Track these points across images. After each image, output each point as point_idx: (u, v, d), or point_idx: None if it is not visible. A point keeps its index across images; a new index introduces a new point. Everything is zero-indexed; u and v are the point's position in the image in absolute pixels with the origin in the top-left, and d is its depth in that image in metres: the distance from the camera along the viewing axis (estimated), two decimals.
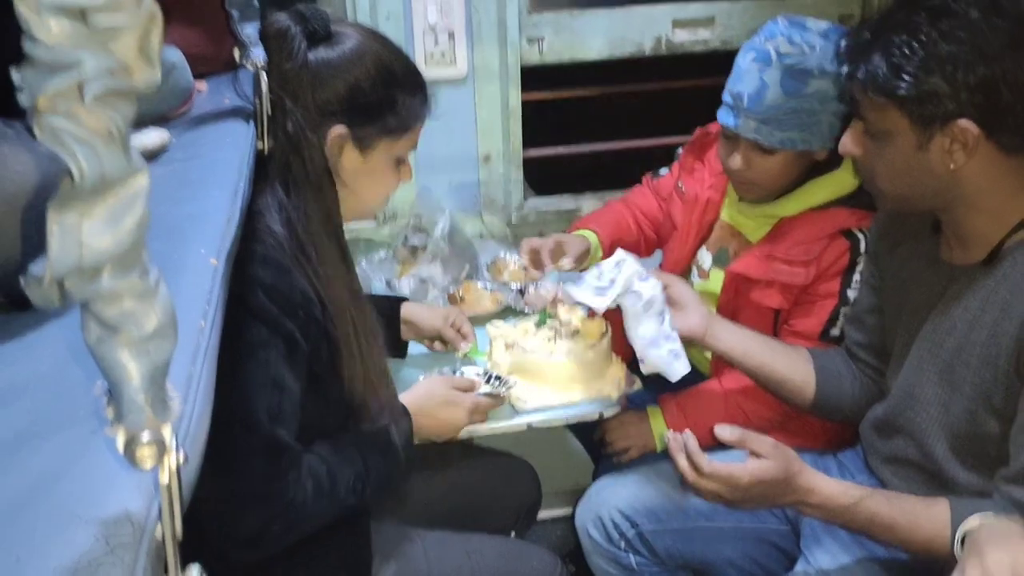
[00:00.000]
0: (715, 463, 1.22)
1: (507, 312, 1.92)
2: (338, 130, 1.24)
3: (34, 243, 0.71)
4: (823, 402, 1.48)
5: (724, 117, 1.59)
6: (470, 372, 1.60)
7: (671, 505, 1.56)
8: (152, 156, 1.10)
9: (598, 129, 2.34)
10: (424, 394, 1.47)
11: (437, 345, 1.74)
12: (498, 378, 1.57)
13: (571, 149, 2.34)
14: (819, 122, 1.52)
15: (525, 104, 2.12)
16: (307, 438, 1.26)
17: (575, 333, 1.67)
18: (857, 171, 1.29)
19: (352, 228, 2.10)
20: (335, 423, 1.32)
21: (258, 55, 1.16)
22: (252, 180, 1.18)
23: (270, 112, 1.20)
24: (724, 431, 1.24)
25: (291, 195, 1.23)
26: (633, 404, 1.67)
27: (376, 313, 1.62)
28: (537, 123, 2.22)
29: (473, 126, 2.11)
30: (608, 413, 1.60)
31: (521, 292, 1.97)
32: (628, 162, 2.22)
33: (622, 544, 1.57)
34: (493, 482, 1.74)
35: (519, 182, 2.18)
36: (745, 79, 1.53)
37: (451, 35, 2.00)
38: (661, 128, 2.26)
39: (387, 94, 1.27)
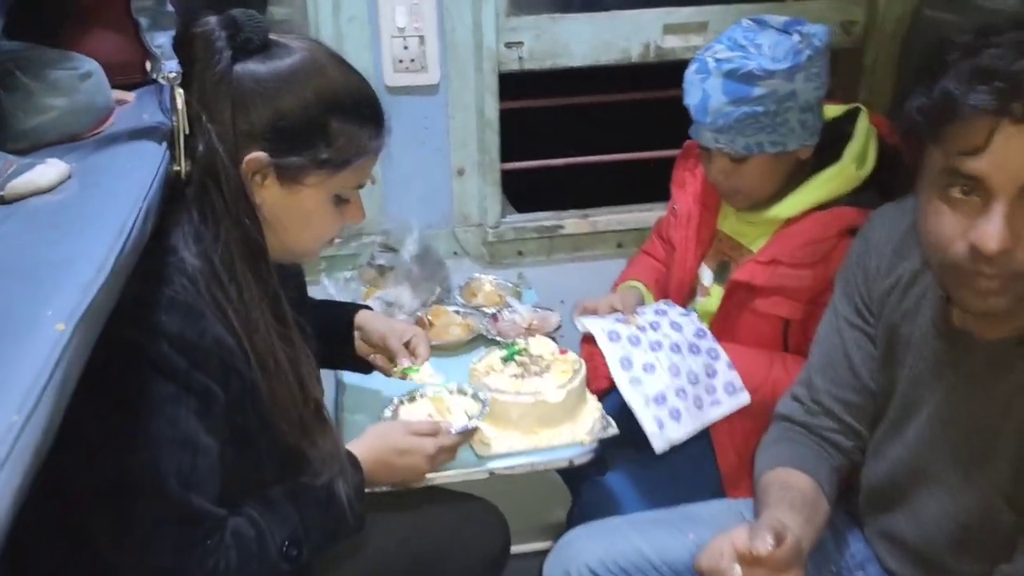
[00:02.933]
0: None
1: (478, 340, 1.78)
2: (256, 156, 1.09)
3: None
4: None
5: (693, 132, 1.54)
6: (442, 405, 1.45)
7: (643, 562, 1.42)
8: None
9: (582, 141, 2.19)
10: (378, 442, 1.32)
11: (378, 359, 1.54)
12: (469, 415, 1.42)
13: (553, 162, 2.19)
14: (785, 121, 1.46)
15: (503, 114, 1.98)
16: (236, 495, 1.14)
17: (546, 369, 1.53)
18: None
19: None
20: (270, 476, 1.19)
21: (171, 68, 1.02)
22: (162, 211, 1.04)
23: (187, 131, 1.06)
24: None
25: (208, 225, 1.08)
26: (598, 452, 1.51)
27: (332, 325, 1.48)
28: (516, 134, 2.07)
29: (446, 137, 1.96)
30: (579, 461, 1.46)
31: (495, 317, 1.83)
32: (614, 177, 2.08)
33: None
34: (455, 528, 1.59)
35: (496, 197, 2.03)
36: (690, 91, 1.49)
37: (422, 39, 1.85)
38: (650, 141, 2.10)
39: (320, 121, 1.11)
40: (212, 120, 1.06)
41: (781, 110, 1.45)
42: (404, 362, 1.49)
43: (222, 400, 1.07)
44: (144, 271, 1.03)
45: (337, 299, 1.92)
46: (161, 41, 1.02)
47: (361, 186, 1.20)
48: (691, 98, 1.49)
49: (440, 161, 1.98)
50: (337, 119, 1.11)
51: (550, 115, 2.22)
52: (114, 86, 1.22)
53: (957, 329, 1.13)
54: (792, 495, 1.22)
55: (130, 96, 1.28)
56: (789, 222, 1.56)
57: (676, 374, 1.46)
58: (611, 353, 1.48)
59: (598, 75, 2.02)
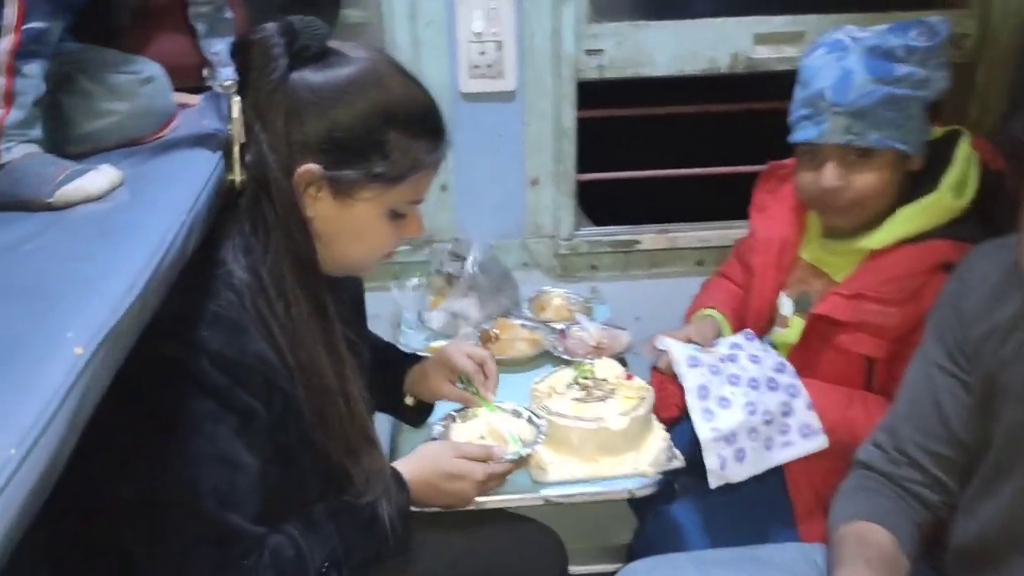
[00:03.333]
0: None
1: (544, 358, 1.72)
2: (309, 168, 1.05)
3: None
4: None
5: (802, 133, 1.42)
6: (495, 428, 1.39)
7: None
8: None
9: (662, 154, 2.10)
10: (427, 463, 1.27)
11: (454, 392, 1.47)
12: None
13: (632, 174, 2.11)
14: (913, 116, 1.38)
15: (581, 123, 1.91)
16: (278, 512, 1.11)
17: (610, 394, 1.46)
18: None
19: None
20: (313, 494, 1.16)
21: (227, 75, 0.99)
22: (214, 221, 1.02)
23: (243, 139, 1.04)
24: None
25: (259, 237, 1.05)
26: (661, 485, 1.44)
27: (380, 371, 1.43)
28: (594, 144, 2.00)
29: (521, 145, 1.91)
30: (640, 493, 1.39)
31: (562, 334, 1.77)
32: (695, 192, 2.00)
33: None
34: (509, 551, 1.53)
35: (570, 209, 1.97)
36: (822, 74, 1.37)
37: (499, 45, 1.81)
38: (734, 155, 2.01)
39: (375, 134, 1.06)
40: (265, 129, 1.03)
41: (914, 100, 1.36)
42: (490, 396, 1.44)
43: (264, 418, 1.04)
44: (190, 284, 1.01)
45: (403, 308, 1.89)
46: (218, 48, 1.00)
47: (418, 201, 1.15)
48: (825, 79, 1.37)
49: (514, 169, 1.93)
50: (393, 132, 1.07)
51: (629, 125, 2.14)
52: (179, 89, 1.21)
53: None
54: (869, 552, 1.12)
55: (195, 100, 1.27)
56: (877, 254, 1.45)
57: (752, 412, 1.37)
58: (690, 380, 1.40)
59: (679, 86, 1.94)
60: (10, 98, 0.89)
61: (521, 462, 1.35)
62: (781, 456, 1.39)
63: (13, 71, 0.87)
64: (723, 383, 1.39)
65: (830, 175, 1.41)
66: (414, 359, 1.51)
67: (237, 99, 1.01)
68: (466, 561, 1.49)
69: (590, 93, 1.94)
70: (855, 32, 1.39)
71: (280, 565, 1.07)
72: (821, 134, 1.39)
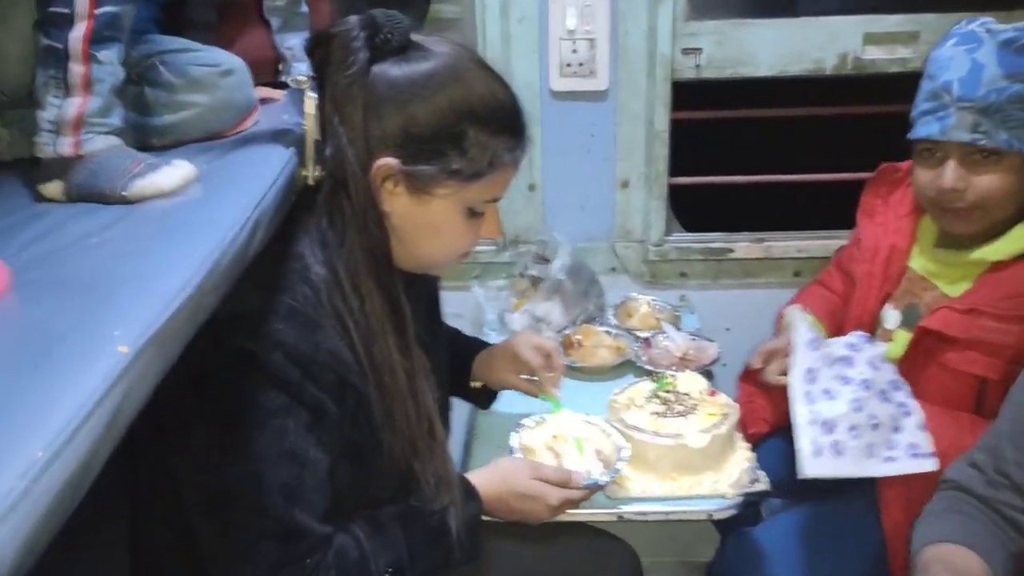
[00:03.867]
0: None
1: (626, 367, 1.67)
2: (386, 163, 1.03)
3: None
4: None
5: (924, 128, 1.34)
6: (570, 458, 1.32)
7: None
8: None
9: (760, 159, 2.01)
10: (502, 479, 1.23)
11: (520, 383, 1.44)
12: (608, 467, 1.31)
13: (728, 180, 2.03)
14: None
15: (675, 124, 1.85)
16: (346, 512, 1.10)
17: (691, 410, 1.40)
18: None
19: None
20: (382, 496, 1.14)
21: (301, 70, 0.98)
22: (293, 216, 1.01)
23: (318, 135, 1.02)
24: None
25: (335, 232, 1.04)
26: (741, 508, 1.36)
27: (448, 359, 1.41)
28: (688, 147, 1.93)
29: (612, 146, 1.86)
30: (719, 516, 1.32)
31: (647, 342, 1.71)
32: (794, 200, 1.90)
33: None
34: (584, 565, 1.49)
35: (661, 213, 1.91)
36: (951, 66, 1.30)
37: (592, 43, 1.76)
38: (837, 162, 1.90)
39: (455, 129, 1.03)
40: (343, 123, 1.01)
41: None
42: (554, 391, 1.41)
43: (335, 414, 1.03)
44: (266, 278, 1.01)
45: (485, 308, 1.87)
46: (292, 43, 0.99)
47: (496, 200, 1.12)
48: (954, 72, 1.30)
49: (604, 171, 1.89)
50: (472, 128, 1.04)
51: (726, 128, 2.06)
52: (262, 84, 1.21)
53: None
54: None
55: (279, 95, 1.27)
56: (997, 267, 1.35)
57: (857, 409, 1.29)
58: (800, 361, 1.33)
59: (780, 88, 1.85)
60: (88, 86, 0.90)
61: (598, 489, 1.29)
62: (882, 469, 1.29)
63: (89, 58, 0.88)
64: (833, 377, 1.32)
65: (951, 175, 1.32)
66: (481, 344, 1.49)
67: (312, 95, 1.00)
68: (539, 572, 1.46)
69: (685, 93, 1.87)
70: (991, 24, 1.30)
71: (343, 567, 1.06)
72: (944, 130, 1.31)
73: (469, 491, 1.19)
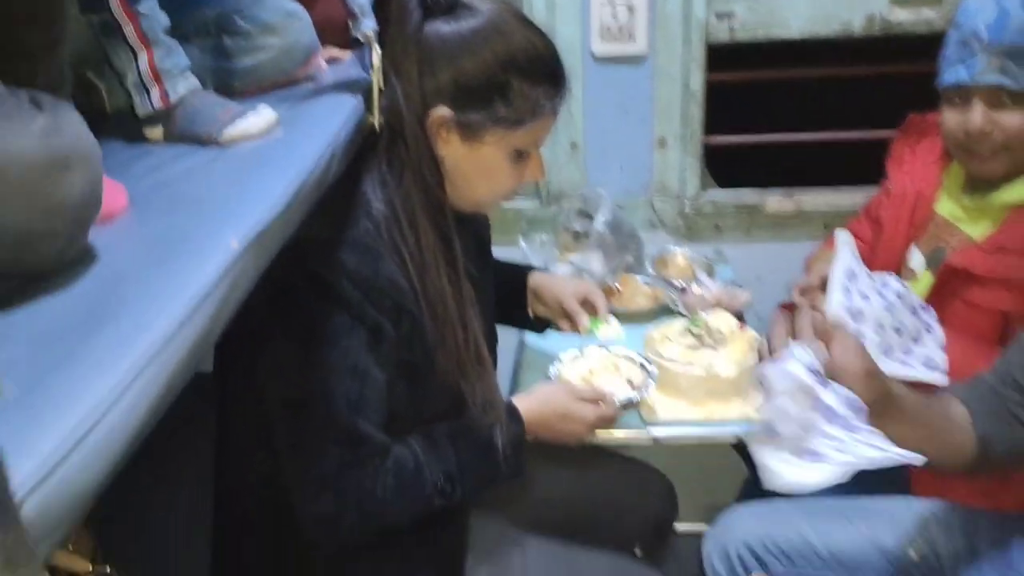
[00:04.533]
0: None
1: (663, 312, 1.78)
2: (440, 112, 1.15)
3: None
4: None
5: (952, 74, 1.41)
6: (604, 378, 1.46)
7: (807, 548, 1.38)
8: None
9: (793, 118, 2.10)
10: (543, 401, 1.35)
11: (564, 324, 1.56)
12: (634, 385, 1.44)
13: (759, 138, 2.13)
14: None
15: (711, 86, 1.95)
16: (403, 428, 1.23)
17: (722, 343, 1.51)
18: None
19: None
20: (434, 414, 1.27)
21: (369, 25, 1.11)
22: (355, 158, 1.14)
23: (382, 86, 1.15)
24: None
25: (394, 174, 1.17)
26: None
27: (506, 285, 1.53)
28: (724, 107, 2.03)
29: (650, 107, 1.97)
30: (746, 438, 1.43)
31: (683, 290, 1.82)
32: (824, 157, 1.98)
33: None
34: (621, 491, 1.62)
35: (696, 170, 2.01)
36: (979, 14, 1.37)
37: (631, 8, 1.87)
38: (868, 120, 1.98)
39: (500, 80, 1.15)
40: (400, 77, 1.14)
41: None
42: (585, 320, 1.51)
43: (392, 336, 1.15)
44: (336, 213, 1.15)
45: (532, 261, 1.99)
46: (361, 1, 1.11)
47: (539, 144, 1.24)
48: (981, 19, 1.37)
49: (643, 131, 1.99)
50: (515, 79, 1.16)
51: (759, 89, 2.15)
52: (331, 44, 1.35)
53: None
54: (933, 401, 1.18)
55: (344, 54, 1.40)
56: (1021, 209, 1.42)
57: (888, 309, 1.37)
58: (843, 259, 1.39)
59: (811, 49, 1.93)
60: (145, 40, 1.00)
61: (631, 407, 1.41)
62: (894, 369, 1.36)
63: (133, 15, 0.98)
64: (870, 286, 1.39)
65: (978, 117, 1.39)
66: (526, 270, 1.60)
67: (377, 48, 1.13)
68: (578, 495, 1.58)
69: (721, 55, 1.96)
70: None
71: (400, 473, 1.19)
72: (973, 75, 1.38)
73: (513, 412, 1.30)
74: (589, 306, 1.53)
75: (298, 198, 0.90)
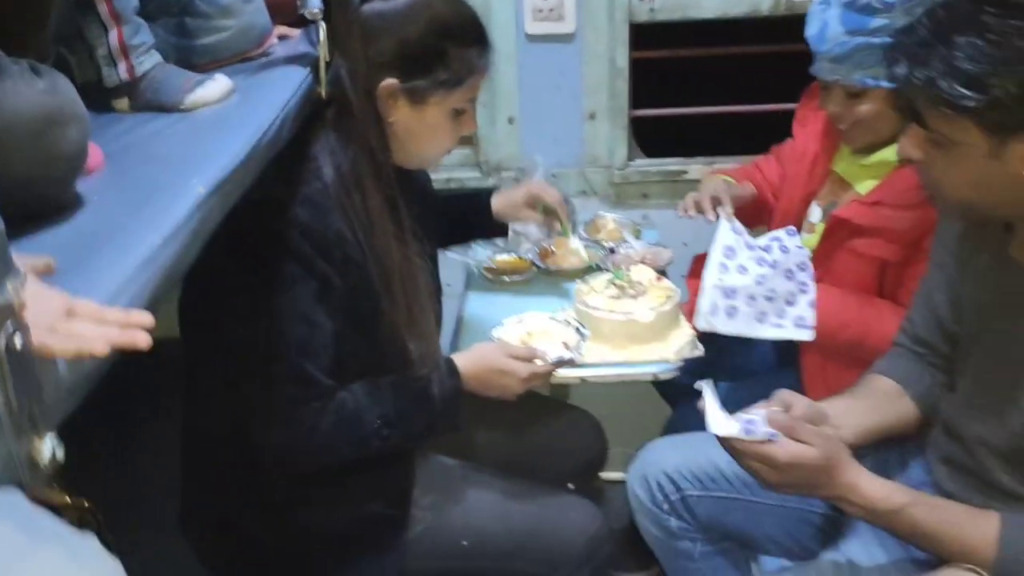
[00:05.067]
0: (753, 443, 1.18)
1: (593, 271, 1.94)
2: (388, 83, 1.29)
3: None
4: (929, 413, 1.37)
5: (813, 65, 1.60)
6: (540, 340, 1.57)
7: (717, 473, 1.54)
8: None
9: (715, 91, 2.27)
10: (479, 357, 1.45)
11: (529, 214, 1.76)
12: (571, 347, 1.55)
13: (679, 111, 2.30)
14: None
15: (638, 63, 2.10)
16: (350, 375, 1.34)
17: (642, 294, 1.67)
18: (920, 177, 1.21)
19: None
20: (380, 364, 1.37)
21: (314, 4, 1.24)
22: (305, 125, 1.27)
23: (328, 59, 1.28)
24: (776, 419, 1.19)
25: (341, 141, 1.30)
26: (689, 371, 1.64)
27: (466, 209, 1.74)
28: (653, 82, 2.19)
29: (580, 83, 2.12)
30: (663, 376, 1.60)
31: (612, 251, 1.98)
32: (743, 128, 2.15)
33: (665, 506, 1.57)
34: (554, 432, 1.77)
35: (623, 141, 2.17)
36: (810, 22, 1.55)
37: None
38: (778, 93, 2.16)
39: (438, 48, 1.31)
40: (345, 53, 1.27)
41: None
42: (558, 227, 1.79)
43: (340, 287, 1.28)
44: (289, 175, 1.28)
45: None
46: None
47: (474, 99, 1.39)
48: (810, 29, 1.55)
49: (573, 105, 2.15)
50: (450, 44, 1.31)
51: (685, 65, 2.32)
52: (282, 23, 1.47)
53: (1013, 260, 1.18)
54: (859, 388, 1.33)
55: (295, 32, 1.53)
56: (899, 166, 1.57)
57: (759, 282, 1.55)
58: (721, 238, 1.61)
59: (735, 27, 2.10)
60: (116, 17, 1.12)
61: (563, 365, 1.52)
62: (766, 332, 1.56)
63: None
64: (749, 257, 1.58)
65: (831, 105, 1.60)
66: (486, 193, 1.79)
67: (323, 24, 1.26)
68: (515, 437, 1.73)
69: (650, 33, 2.12)
70: None
71: (341, 412, 1.31)
72: (819, 72, 1.58)
73: (451, 368, 1.41)
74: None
75: (255, 154, 1.04)
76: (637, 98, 2.19)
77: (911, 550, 1.28)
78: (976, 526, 1.13)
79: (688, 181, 2.19)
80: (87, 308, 0.63)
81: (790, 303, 1.57)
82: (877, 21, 1.47)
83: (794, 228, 1.69)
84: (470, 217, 1.77)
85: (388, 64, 1.30)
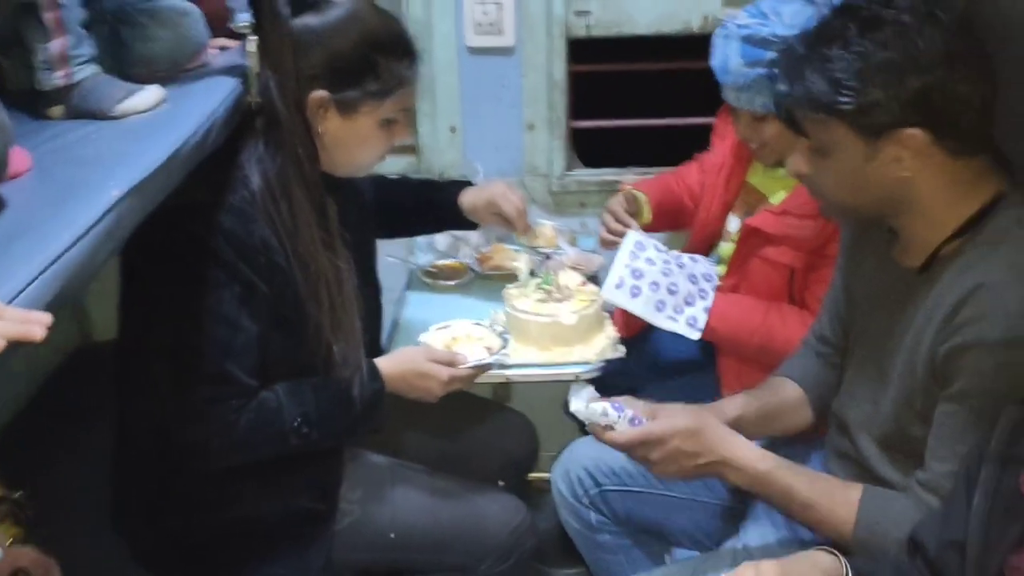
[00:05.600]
0: (627, 431, 1.27)
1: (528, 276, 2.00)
2: (319, 95, 1.35)
3: None
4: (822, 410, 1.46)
5: (721, 92, 1.68)
6: (464, 345, 1.61)
7: (634, 469, 1.61)
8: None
9: (653, 104, 2.36)
10: (401, 361, 1.50)
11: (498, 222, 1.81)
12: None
13: (614, 123, 2.38)
14: None
15: (584, 75, 2.19)
16: (274, 377, 1.39)
17: (567, 298, 1.75)
18: (808, 189, 1.31)
19: None
20: (304, 367, 1.42)
21: (243, 19, 1.30)
22: (235, 134, 1.32)
23: (257, 70, 1.34)
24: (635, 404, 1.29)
25: (269, 150, 1.35)
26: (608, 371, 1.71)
27: (437, 200, 1.79)
28: (595, 94, 2.27)
29: (519, 94, 2.19)
30: (584, 376, 1.66)
31: (548, 257, 2.05)
32: (678, 139, 2.23)
33: (585, 500, 1.65)
34: (485, 431, 1.84)
35: (561, 151, 2.24)
36: (714, 54, 1.63)
37: (499, 6, 2.09)
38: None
39: (368, 60, 1.37)
40: (275, 66, 1.32)
41: None
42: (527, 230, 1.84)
43: (264, 292, 1.33)
44: (216, 182, 1.33)
45: None
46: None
47: (407, 109, 1.46)
48: (714, 60, 1.64)
49: (513, 116, 2.21)
50: (381, 55, 1.37)
51: (627, 78, 2.40)
52: (220, 35, 1.53)
53: (893, 260, 1.27)
54: (759, 388, 1.44)
55: (233, 44, 1.59)
56: None
57: (665, 274, 1.65)
58: (633, 235, 1.71)
59: (673, 43, 2.18)
60: (61, 26, 1.16)
61: (483, 369, 1.56)
62: (660, 322, 1.65)
63: (55, 4, 1.14)
64: (659, 257, 1.68)
65: (739, 127, 1.70)
66: (459, 186, 1.82)
67: (253, 38, 1.32)
68: (446, 436, 1.79)
69: (591, 47, 2.19)
70: (741, 19, 1.60)
71: (261, 411, 1.36)
72: (726, 97, 1.67)
73: (373, 371, 1.46)
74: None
75: (176, 158, 1.09)
76: (578, 109, 2.27)
77: (798, 530, 1.36)
78: (843, 493, 1.22)
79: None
80: None
81: (689, 303, 1.65)
82: (773, 53, 1.54)
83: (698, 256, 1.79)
84: (440, 209, 1.82)
85: (318, 76, 1.36)
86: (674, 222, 1.98)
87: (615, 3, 2.11)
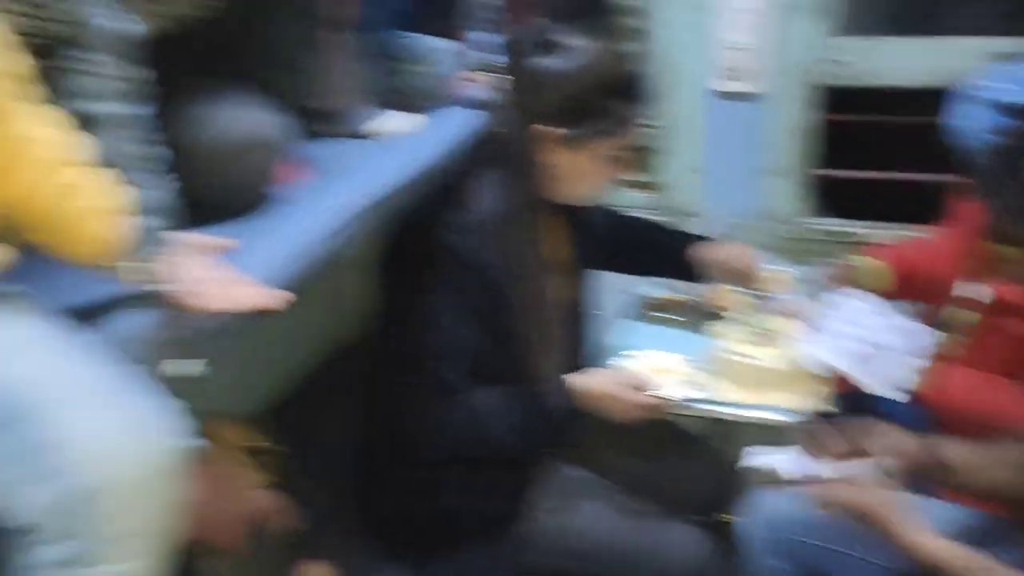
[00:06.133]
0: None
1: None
2: (552, 131, 1.47)
3: None
4: None
5: None
6: (667, 378, 1.61)
7: (829, 521, 1.57)
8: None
9: (910, 158, 2.26)
10: (591, 381, 1.54)
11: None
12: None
13: (861, 174, 2.31)
14: None
15: (837, 124, 2.17)
16: (481, 383, 1.51)
17: (777, 343, 1.74)
18: None
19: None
20: (509, 380, 1.53)
21: (495, 58, 1.46)
22: (474, 160, 1.51)
23: (501, 105, 1.50)
24: None
25: (503, 177, 1.49)
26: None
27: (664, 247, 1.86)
28: (847, 143, 2.24)
29: (763, 139, 2.21)
30: (788, 424, 1.65)
31: (766, 301, 2.03)
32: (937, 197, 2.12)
33: (776, 549, 1.62)
34: (683, 463, 1.85)
35: (801, 199, 2.22)
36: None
37: (751, 53, 2.12)
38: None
39: (599, 102, 1.47)
40: (517, 103, 1.47)
41: None
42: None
43: (485, 306, 1.47)
44: (459, 201, 1.50)
45: None
46: (488, 40, 1.47)
47: (629, 147, 1.54)
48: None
49: (755, 160, 2.24)
50: (611, 99, 1.47)
51: (892, 131, 2.32)
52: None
53: None
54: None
55: (485, 78, 1.76)
56: None
57: (876, 334, 1.61)
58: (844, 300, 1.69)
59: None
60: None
61: (672, 402, 1.58)
62: (863, 377, 1.60)
63: None
64: (871, 315, 1.65)
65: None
66: (689, 238, 1.88)
67: (499, 76, 1.48)
68: (650, 465, 1.83)
69: (848, 97, 2.17)
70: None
71: (473, 414, 1.50)
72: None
73: (570, 389, 1.52)
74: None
75: (420, 177, 1.27)
76: (838, 158, 2.24)
77: None
78: None
79: (855, 243, 2.19)
80: (241, 279, 0.87)
81: (898, 363, 1.59)
82: None
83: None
84: (667, 256, 1.89)
85: (554, 114, 1.48)
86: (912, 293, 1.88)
87: (872, 54, 2.07)
